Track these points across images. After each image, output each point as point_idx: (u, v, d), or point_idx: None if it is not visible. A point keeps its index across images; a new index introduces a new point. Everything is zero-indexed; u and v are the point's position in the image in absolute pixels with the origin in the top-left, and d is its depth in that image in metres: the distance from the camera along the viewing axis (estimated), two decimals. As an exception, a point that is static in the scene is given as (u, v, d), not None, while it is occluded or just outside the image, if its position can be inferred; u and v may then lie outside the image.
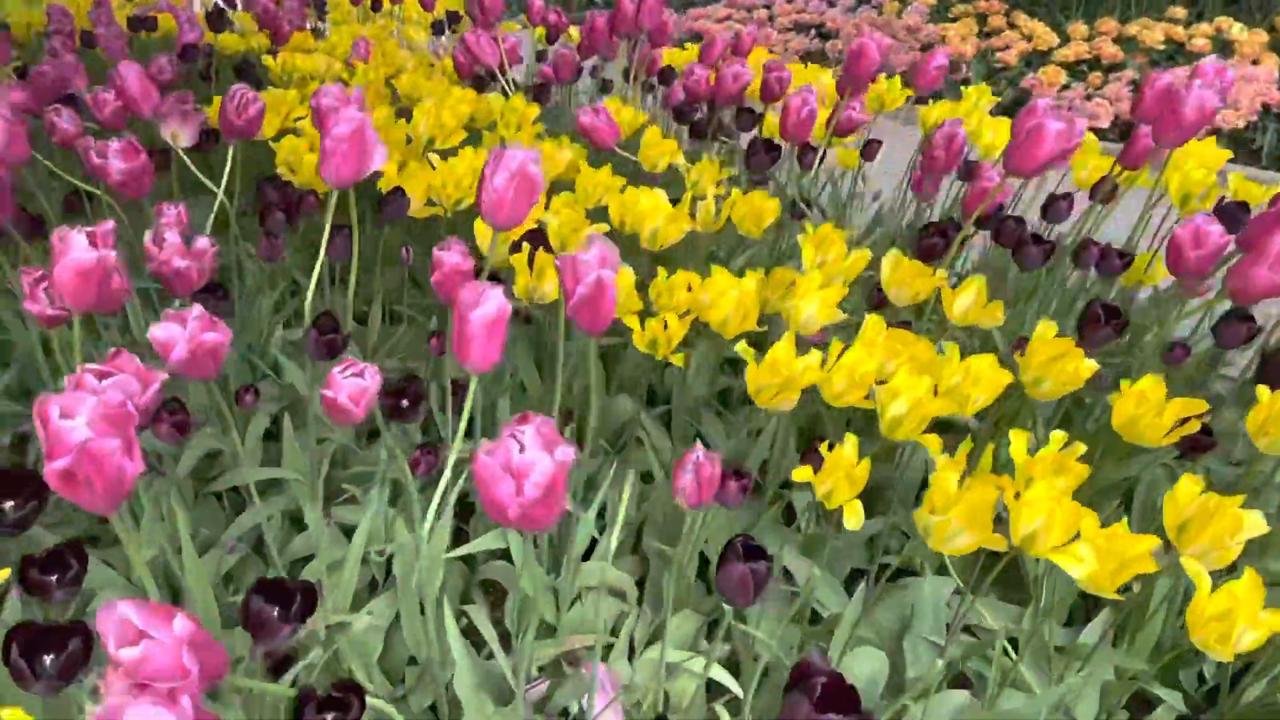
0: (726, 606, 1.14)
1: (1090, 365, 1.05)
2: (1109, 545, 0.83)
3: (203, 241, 1.01)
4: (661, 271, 1.23)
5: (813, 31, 5.82)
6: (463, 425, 0.88)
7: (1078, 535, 0.84)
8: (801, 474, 0.94)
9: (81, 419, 0.57)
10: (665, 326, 1.12)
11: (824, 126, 1.65)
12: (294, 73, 2.17)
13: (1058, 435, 0.97)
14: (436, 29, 2.89)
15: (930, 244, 1.36)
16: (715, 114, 1.70)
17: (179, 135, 1.46)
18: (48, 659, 0.68)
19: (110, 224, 0.79)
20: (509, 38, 2.06)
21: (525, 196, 0.95)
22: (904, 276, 1.27)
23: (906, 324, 1.42)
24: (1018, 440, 0.97)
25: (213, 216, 1.41)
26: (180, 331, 0.81)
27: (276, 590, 0.72)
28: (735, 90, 1.60)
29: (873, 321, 1.12)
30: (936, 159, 1.39)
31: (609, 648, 1.12)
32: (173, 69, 1.90)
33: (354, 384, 0.80)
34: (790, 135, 1.47)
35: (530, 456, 0.60)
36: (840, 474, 0.94)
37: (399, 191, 1.34)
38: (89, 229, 0.77)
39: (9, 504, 0.78)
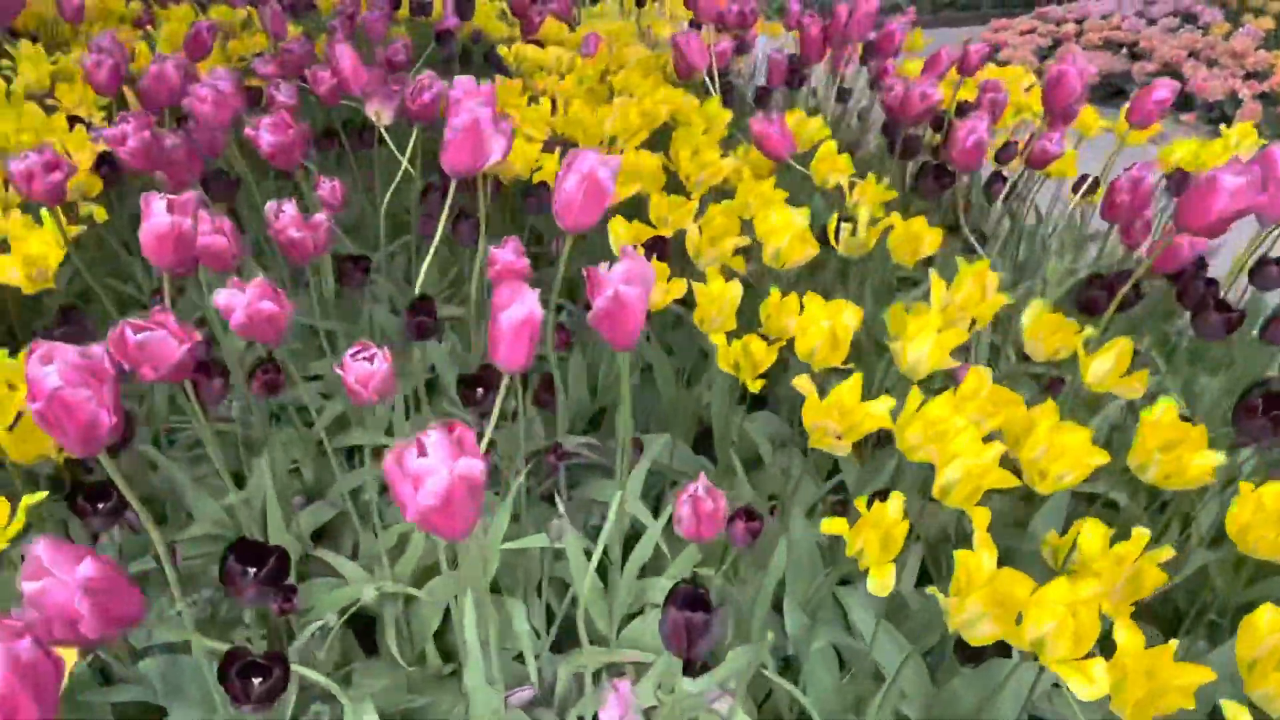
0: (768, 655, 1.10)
1: (1211, 459, 0.90)
2: (1145, 670, 0.71)
3: (319, 216, 1.09)
4: (774, 291, 1.19)
5: (1123, 50, 5.35)
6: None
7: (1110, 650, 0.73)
8: (832, 526, 0.88)
9: (54, 368, 0.63)
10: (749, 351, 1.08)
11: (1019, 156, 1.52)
12: (523, 63, 2.27)
13: (1140, 534, 0.84)
14: (694, 27, 2.92)
15: (1091, 297, 1.22)
16: (900, 132, 1.61)
17: (381, 114, 1.57)
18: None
19: (191, 195, 0.86)
20: (722, 41, 2.05)
21: (594, 200, 0.94)
22: (1041, 329, 1.15)
23: (1059, 381, 1.29)
24: (1092, 532, 0.86)
25: (388, 194, 1.51)
26: (240, 298, 0.88)
27: (253, 551, 0.77)
28: (922, 109, 1.51)
29: (974, 374, 1.02)
30: (1119, 205, 1.24)
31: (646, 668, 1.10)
32: (406, 52, 2.04)
33: (362, 367, 0.83)
34: (958, 163, 1.36)
35: (428, 464, 0.60)
36: (873, 533, 0.86)
37: (543, 186, 1.37)
38: (170, 196, 0.85)
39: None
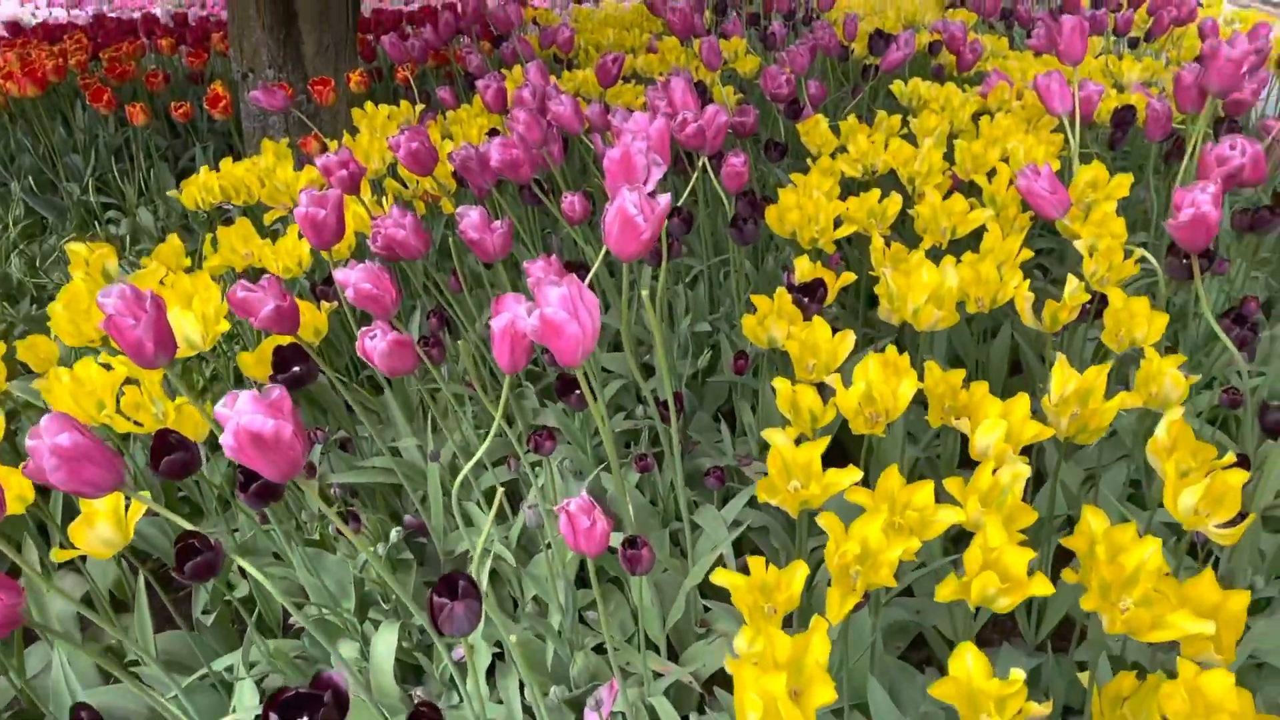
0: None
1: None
2: None
3: (499, 222, 1.30)
4: (889, 351, 1.14)
5: None
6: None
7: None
8: (723, 577, 0.87)
9: (111, 299, 0.93)
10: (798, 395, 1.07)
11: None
12: (913, 99, 2.25)
13: (1017, 674, 0.73)
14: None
15: None
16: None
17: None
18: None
19: (329, 193, 1.13)
20: (1088, 85, 1.85)
21: (628, 234, 1.02)
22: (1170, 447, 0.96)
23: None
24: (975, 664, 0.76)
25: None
26: (353, 275, 1.12)
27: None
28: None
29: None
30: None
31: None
32: (790, 86, 2.16)
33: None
34: (1180, 238, 1.14)
35: (224, 414, 0.78)
36: (747, 596, 0.85)
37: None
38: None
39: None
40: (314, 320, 1.39)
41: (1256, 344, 1.22)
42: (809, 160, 1.91)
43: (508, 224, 1.32)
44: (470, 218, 1.31)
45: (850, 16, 2.88)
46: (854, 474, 0.92)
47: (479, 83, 1.91)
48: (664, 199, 1.04)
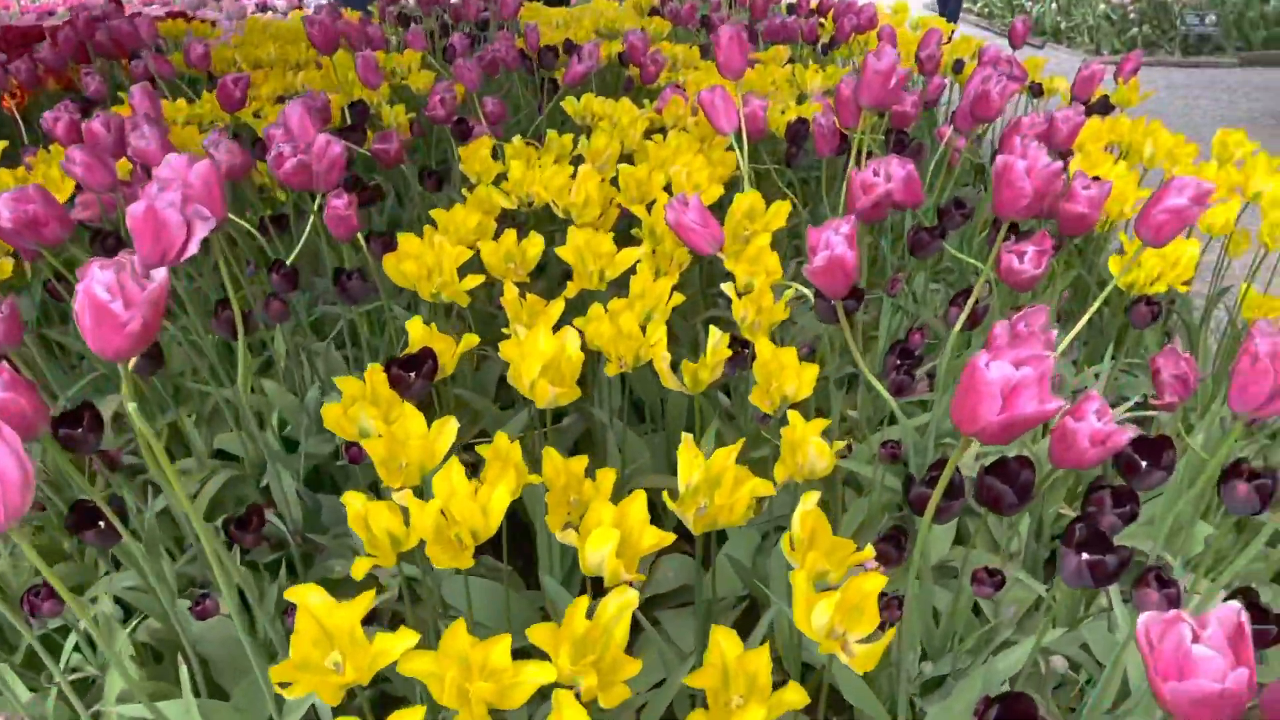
0: None
1: None
2: None
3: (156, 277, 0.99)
4: (498, 440, 0.93)
5: None
6: None
7: None
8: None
9: None
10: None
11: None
12: (587, 115, 2.08)
13: None
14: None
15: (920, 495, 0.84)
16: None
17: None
18: None
19: None
20: (752, 100, 1.73)
21: (109, 330, 0.76)
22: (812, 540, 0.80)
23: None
24: None
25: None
26: None
27: None
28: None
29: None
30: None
31: None
32: (449, 106, 1.93)
33: None
34: (821, 284, 1.00)
35: None
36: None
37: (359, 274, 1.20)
38: None
39: None
40: None
41: (915, 385, 1.10)
42: (464, 190, 1.69)
43: (10, 305, 1.01)
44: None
45: (530, 26, 2.68)
46: (409, 638, 0.70)
47: (45, 115, 1.56)
48: (158, 274, 0.79)
